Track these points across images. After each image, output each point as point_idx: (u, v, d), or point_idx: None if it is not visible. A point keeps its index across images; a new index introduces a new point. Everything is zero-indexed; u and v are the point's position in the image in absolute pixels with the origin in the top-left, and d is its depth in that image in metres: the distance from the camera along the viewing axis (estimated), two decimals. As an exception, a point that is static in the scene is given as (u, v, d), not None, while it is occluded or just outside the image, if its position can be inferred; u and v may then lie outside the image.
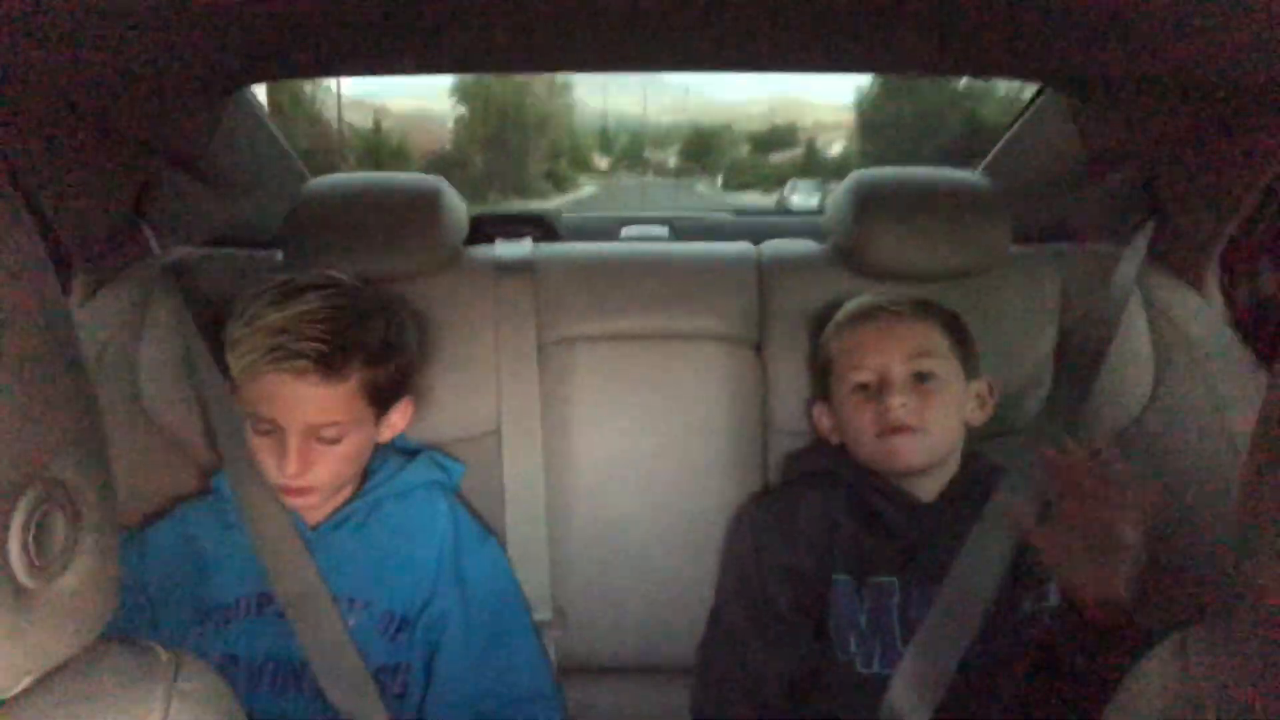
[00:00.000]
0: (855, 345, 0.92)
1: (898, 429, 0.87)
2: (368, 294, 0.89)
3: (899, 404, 0.86)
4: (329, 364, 0.81)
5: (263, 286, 0.85)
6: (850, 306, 0.96)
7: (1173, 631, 0.45)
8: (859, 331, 0.92)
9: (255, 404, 0.83)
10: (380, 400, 0.88)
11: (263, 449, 0.84)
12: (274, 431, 0.83)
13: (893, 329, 0.90)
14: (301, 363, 0.80)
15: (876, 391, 0.89)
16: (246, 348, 0.82)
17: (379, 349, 0.86)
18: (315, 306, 0.83)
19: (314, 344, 0.81)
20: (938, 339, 0.90)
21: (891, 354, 0.89)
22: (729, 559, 0.97)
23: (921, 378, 0.88)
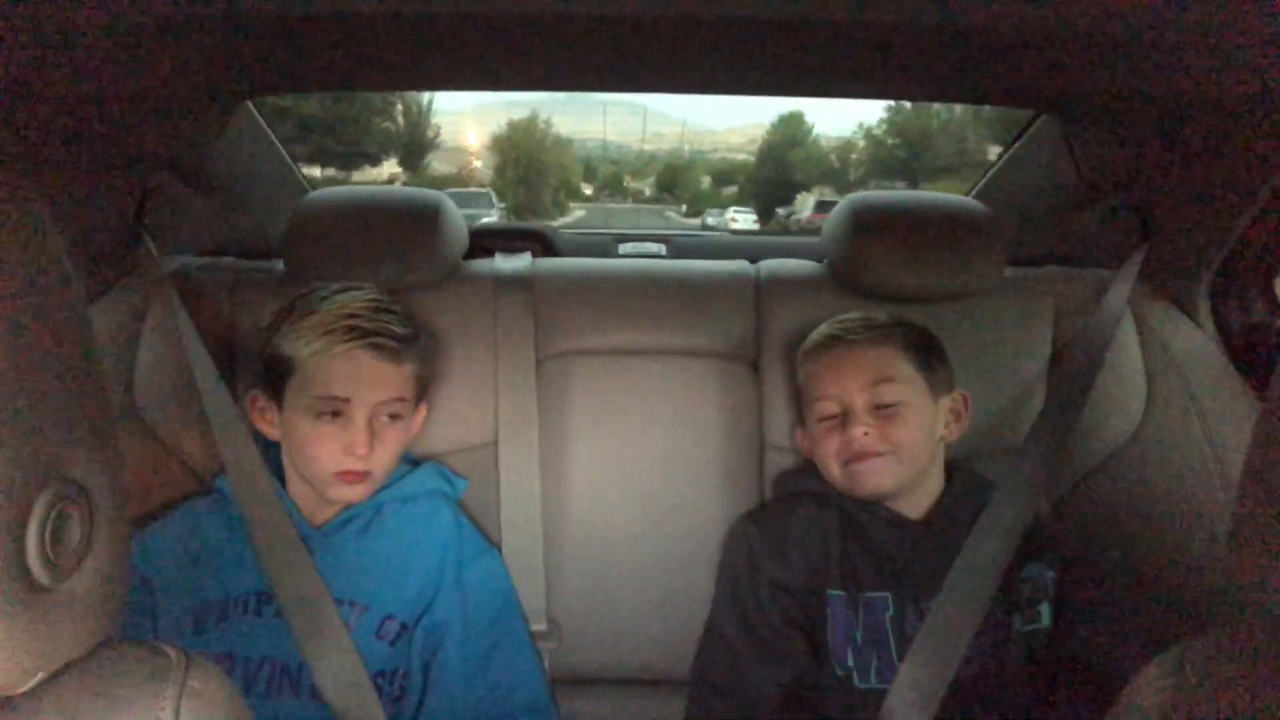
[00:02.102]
0: (817, 376, 0.94)
1: (862, 456, 0.88)
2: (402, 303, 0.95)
3: (861, 433, 0.88)
4: (401, 342, 0.87)
5: (303, 293, 0.91)
6: (811, 337, 0.97)
7: (1166, 649, 0.46)
8: (819, 363, 0.94)
9: (327, 384, 0.85)
10: (420, 393, 0.93)
11: (325, 436, 0.86)
12: (339, 414, 0.85)
13: (850, 358, 0.91)
14: (379, 339, 0.85)
15: (841, 421, 0.90)
16: (320, 330, 0.86)
17: (426, 344, 0.94)
18: (375, 297, 0.90)
19: (388, 325, 0.87)
20: (898, 362, 0.91)
21: (850, 383, 0.90)
22: (724, 573, 0.98)
23: (884, 403, 0.89)
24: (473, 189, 17.59)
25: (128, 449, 0.96)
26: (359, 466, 0.86)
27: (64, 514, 0.37)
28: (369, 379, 0.86)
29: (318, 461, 0.86)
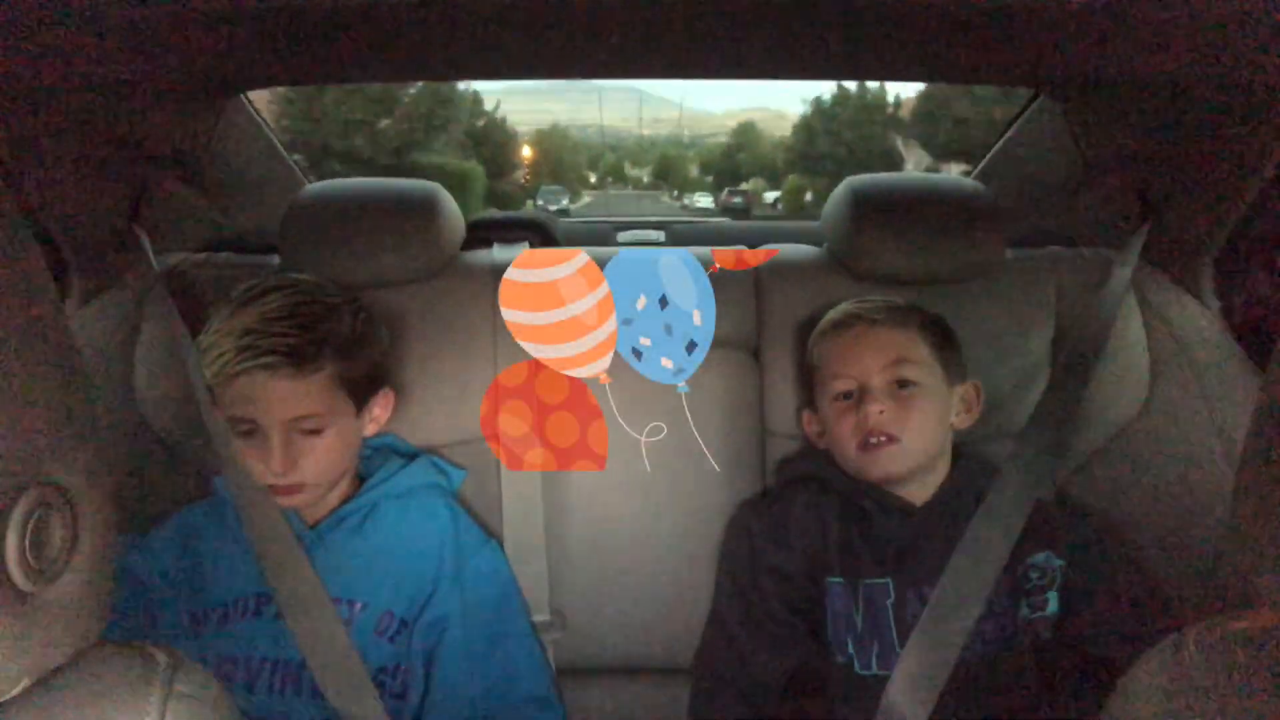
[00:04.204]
0: (835, 354, 0.92)
1: (878, 440, 0.87)
2: (331, 290, 0.90)
3: (878, 412, 0.87)
4: (300, 356, 0.82)
5: (229, 296, 0.86)
6: (830, 315, 0.96)
7: (1168, 633, 0.46)
8: (838, 340, 0.93)
9: (233, 406, 0.83)
10: (357, 391, 0.88)
11: (247, 451, 0.84)
12: (255, 432, 0.83)
13: (871, 337, 0.91)
14: (272, 358, 0.81)
15: (857, 400, 0.89)
16: (216, 352, 0.82)
17: (349, 340, 0.87)
18: (279, 304, 0.84)
19: (282, 339, 0.81)
20: (917, 345, 0.91)
21: (870, 362, 0.89)
22: (725, 561, 0.97)
23: (901, 385, 0.89)
24: (554, 186, 27.36)
25: (129, 447, 0.98)
26: (283, 482, 0.83)
27: (46, 518, 0.37)
28: (269, 399, 0.82)
29: (254, 475, 0.84)
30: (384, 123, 16.80)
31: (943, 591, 0.81)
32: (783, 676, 0.87)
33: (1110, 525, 0.97)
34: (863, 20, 0.80)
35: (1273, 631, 0.40)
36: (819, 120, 23.87)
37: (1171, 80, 0.88)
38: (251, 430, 0.83)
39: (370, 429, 0.92)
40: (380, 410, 0.93)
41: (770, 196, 24.36)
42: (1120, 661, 0.49)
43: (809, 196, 22.33)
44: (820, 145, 23.27)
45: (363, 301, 0.92)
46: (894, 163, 20.49)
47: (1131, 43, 0.79)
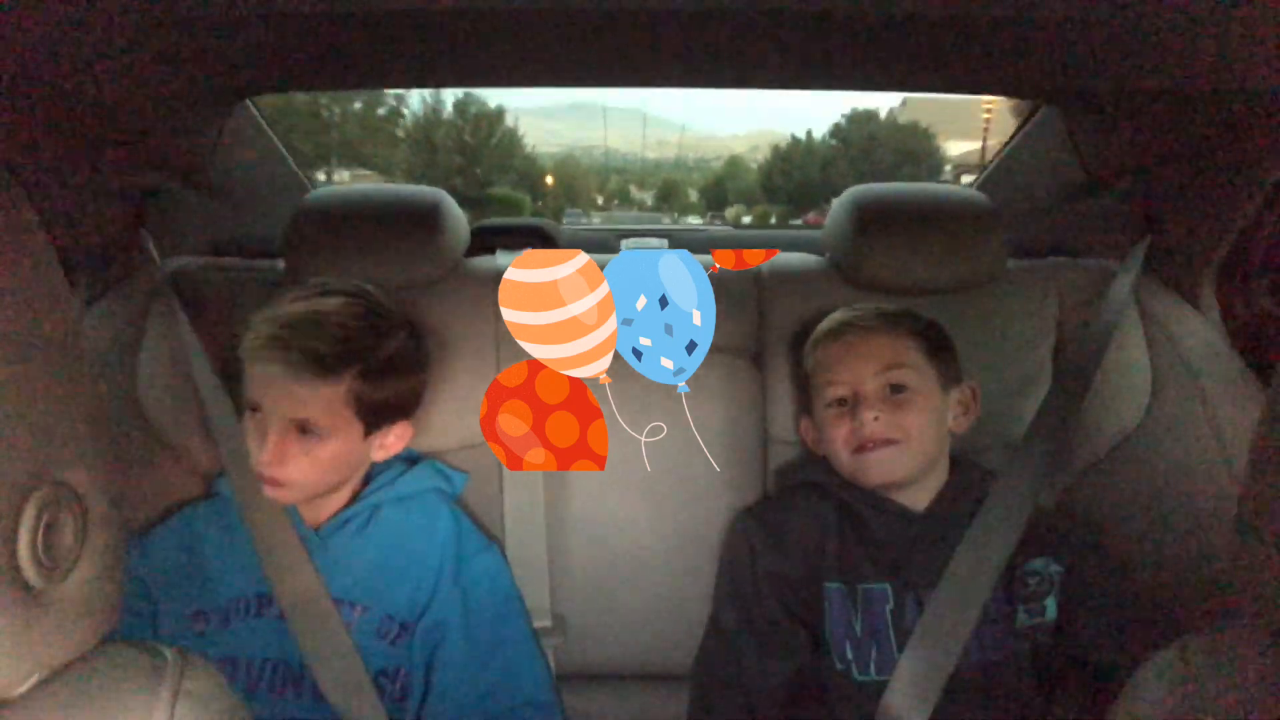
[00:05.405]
0: (828, 361, 0.93)
1: (873, 445, 0.87)
2: (395, 313, 0.90)
3: (871, 418, 0.87)
4: (321, 364, 0.82)
5: (303, 290, 0.88)
6: (823, 324, 0.96)
7: (1172, 641, 0.45)
8: (831, 348, 0.93)
9: (249, 387, 0.85)
10: (370, 415, 0.88)
11: (250, 431, 0.85)
12: (260, 417, 0.84)
13: (863, 343, 0.91)
14: (295, 356, 0.81)
15: (851, 407, 0.90)
16: (255, 333, 0.84)
17: (381, 365, 0.87)
18: (332, 309, 0.85)
19: (313, 342, 0.82)
20: (910, 350, 0.91)
21: (862, 368, 0.90)
22: (725, 567, 0.97)
23: (895, 390, 0.89)
24: (576, 210, 31.53)
25: (132, 450, 0.98)
26: (268, 472, 0.84)
27: (56, 517, 0.37)
28: (281, 392, 0.83)
29: (249, 453, 0.86)
30: (473, 168, 25.87)
31: (941, 597, 0.81)
32: (782, 682, 0.87)
33: (1110, 533, 0.96)
34: (870, 31, 0.80)
35: (1276, 640, 0.40)
36: (777, 163, 35.21)
37: (1173, 92, 0.88)
38: (258, 414, 0.84)
39: (379, 455, 0.92)
40: (395, 440, 0.92)
41: (746, 219, 32.23)
42: (1117, 668, 0.49)
43: (773, 220, 29.19)
44: (777, 181, 34.23)
45: (420, 334, 0.93)
46: (828, 197, 27.18)
47: (1134, 55, 0.80)
